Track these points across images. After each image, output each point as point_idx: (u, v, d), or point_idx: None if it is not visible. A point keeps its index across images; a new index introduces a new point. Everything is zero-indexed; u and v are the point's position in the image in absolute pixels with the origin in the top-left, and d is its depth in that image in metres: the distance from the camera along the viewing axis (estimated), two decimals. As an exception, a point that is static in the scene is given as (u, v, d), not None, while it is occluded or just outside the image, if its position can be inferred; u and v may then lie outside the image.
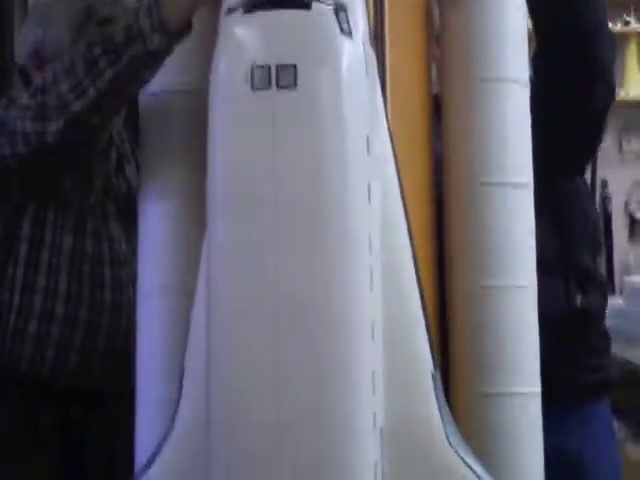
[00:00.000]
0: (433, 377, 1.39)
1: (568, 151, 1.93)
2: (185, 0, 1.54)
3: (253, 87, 1.32)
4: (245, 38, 1.35)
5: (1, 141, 1.77)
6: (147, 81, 1.62)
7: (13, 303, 1.99)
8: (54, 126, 1.68)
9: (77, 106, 1.64)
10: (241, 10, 1.36)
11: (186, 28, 1.56)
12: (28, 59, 2.09)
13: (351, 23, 1.36)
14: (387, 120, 1.47)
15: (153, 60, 1.58)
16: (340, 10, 1.35)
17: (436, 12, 1.70)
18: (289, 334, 1.28)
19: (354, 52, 1.34)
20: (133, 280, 1.89)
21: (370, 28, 1.47)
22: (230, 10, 1.37)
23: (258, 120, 1.32)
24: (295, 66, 1.31)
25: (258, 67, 1.32)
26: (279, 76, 1.31)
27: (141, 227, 1.70)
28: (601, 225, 4.77)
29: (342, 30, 1.34)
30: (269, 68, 1.32)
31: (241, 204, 1.32)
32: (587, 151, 2.07)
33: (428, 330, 1.42)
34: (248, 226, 1.31)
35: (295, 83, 1.31)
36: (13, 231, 2.00)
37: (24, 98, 1.75)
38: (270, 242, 1.30)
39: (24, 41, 2.12)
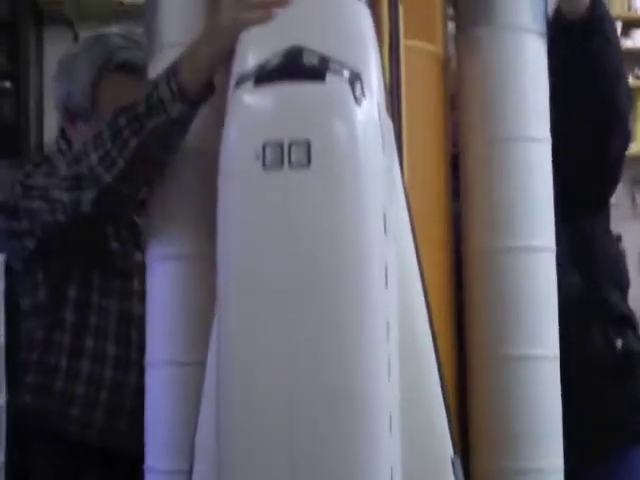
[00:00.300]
0: (453, 463, 1.33)
1: (584, 192, 1.88)
2: (201, 66, 1.52)
3: (265, 165, 1.26)
4: (256, 113, 1.28)
5: (43, 207, 1.77)
6: (175, 147, 1.60)
7: (61, 367, 1.96)
8: (88, 195, 1.68)
9: (107, 178, 1.64)
10: (252, 81, 1.30)
11: (208, 92, 1.54)
12: (61, 116, 2.08)
13: (366, 91, 1.29)
14: (404, 184, 1.41)
15: (177, 127, 1.57)
16: (355, 80, 1.29)
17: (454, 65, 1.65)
18: (305, 427, 1.22)
19: (370, 126, 1.28)
20: None
21: (385, 86, 1.41)
22: (240, 80, 1.31)
23: (270, 200, 1.26)
24: (309, 143, 1.25)
25: (270, 144, 1.26)
26: (292, 154, 1.25)
27: (148, 289, 1.65)
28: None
29: (357, 102, 1.28)
30: (281, 145, 1.26)
31: (252, 289, 1.26)
32: (604, 193, 2.02)
33: (448, 412, 1.36)
34: (259, 313, 1.25)
35: (309, 161, 1.25)
36: (60, 295, 1.97)
37: (62, 168, 1.76)
38: (282, 331, 1.24)
39: (54, 97, 2.09)
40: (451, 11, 1.64)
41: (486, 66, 1.59)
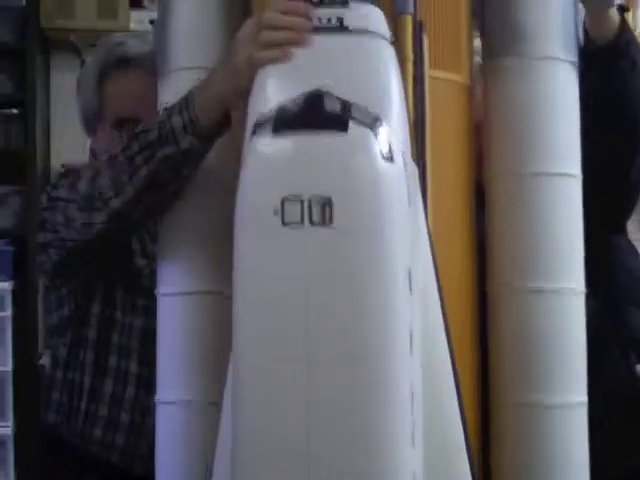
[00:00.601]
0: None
1: (604, 212, 1.81)
2: (213, 103, 1.46)
3: (284, 222, 1.18)
4: (275, 165, 1.20)
5: (62, 222, 1.73)
6: (187, 178, 1.55)
7: (84, 386, 1.90)
8: (100, 218, 1.63)
9: (116, 203, 1.59)
10: (270, 129, 1.21)
11: (223, 126, 1.48)
12: (85, 130, 2.03)
13: (391, 141, 1.21)
14: (428, 229, 1.34)
15: (188, 159, 1.52)
16: (379, 128, 1.21)
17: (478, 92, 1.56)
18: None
19: (396, 181, 1.20)
20: None
21: (410, 123, 1.33)
22: (258, 126, 1.23)
23: (289, 259, 1.18)
24: (330, 199, 1.17)
25: (289, 199, 1.18)
26: (312, 211, 1.18)
27: (158, 326, 1.59)
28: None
29: (382, 154, 1.20)
30: (301, 201, 1.18)
31: (268, 352, 1.19)
32: (624, 214, 1.97)
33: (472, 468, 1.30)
34: (276, 377, 1.19)
35: (331, 219, 1.17)
36: (83, 312, 1.90)
37: (82, 184, 1.69)
38: (300, 396, 1.17)
39: (78, 114, 2.04)
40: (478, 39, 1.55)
41: (514, 98, 1.50)
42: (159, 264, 1.61)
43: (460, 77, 1.50)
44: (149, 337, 1.83)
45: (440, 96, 1.46)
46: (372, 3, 1.29)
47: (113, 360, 1.90)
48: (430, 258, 1.33)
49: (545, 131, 1.50)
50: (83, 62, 4.37)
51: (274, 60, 1.28)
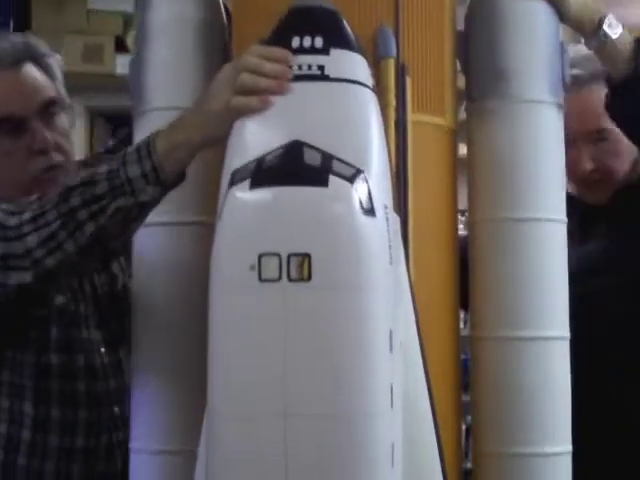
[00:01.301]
0: None
1: None
2: (182, 153, 1.35)
3: (261, 278, 1.15)
4: (252, 220, 1.17)
5: None
6: (135, 230, 1.45)
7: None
8: (18, 278, 1.45)
9: (50, 262, 1.42)
10: (248, 182, 1.18)
11: (184, 176, 1.39)
12: None
13: (373, 193, 1.18)
14: (410, 280, 1.31)
15: (144, 211, 1.40)
16: (360, 180, 1.17)
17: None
18: None
19: (377, 236, 1.17)
20: (118, 398, 1.73)
21: (392, 170, 1.29)
22: (235, 177, 1.19)
23: (266, 316, 1.15)
24: (309, 255, 1.14)
25: (266, 255, 1.15)
26: (290, 267, 1.14)
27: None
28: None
29: (363, 209, 1.16)
30: (279, 257, 1.14)
31: (244, 411, 1.15)
32: None
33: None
34: (252, 436, 1.15)
35: (309, 276, 1.14)
36: None
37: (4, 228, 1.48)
38: (278, 458, 1.14)
39: None
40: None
41: (498, 141, 1.47)
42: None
43: (444, 120, 1.47)
44: (42, 372, 1.71)
45: (423, 141, 1.42)
46: (353, 49, 1.25)
47: (5, 401, 1.71)
48: (412, 311, 1.30)
49: (529, 176, 1.47)
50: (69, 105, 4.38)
51: (252, 108, 1.24)
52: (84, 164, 1.80)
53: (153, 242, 1.53)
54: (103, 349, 1.77)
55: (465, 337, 1.51)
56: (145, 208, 1.39)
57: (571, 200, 1.54)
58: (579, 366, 1.49)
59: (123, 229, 1.41)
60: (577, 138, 1.87)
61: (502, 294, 1.46)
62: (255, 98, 1.24)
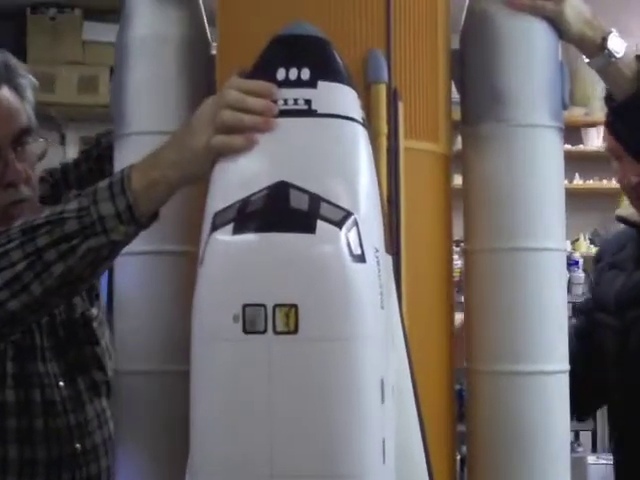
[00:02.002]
0: None
1: None
2: (160, 193, 1.27)
3: (245, 329, 1.08)
4: (235, 267, 1.10)
5: None
6: (104, 270, 1.37)
7: None
8: None
9: (13, 305, 1.32)
10: (231, 226, 1.11)
11: (156, 214, 1.31)
12: None
13: (363, 238, 1.11)
14: (402, 321, 1.25)
15: (116, 251, 1.32)
16: (350, 224, 1.11)
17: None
18: None
19: (367, 283, 1.10)
20: (79, 434, 1.66)
21: (384, 204, 1.23)
22: (217, 220, 1.13)
23: (250, 369, 1.09)
24: (296, 306, 1.08)
25: (251, 305, 1.08)
26: (276, 318, 1.08)
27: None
28: None
29: (352, 255, 1.10)
30: (264, 307, 1.08)
31: (229, 467, 1.10)
32: None
33: None
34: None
35: (296, 328, 1.08)
36: None
37: None
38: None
39: None
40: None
41: (494, 167, 1.41)
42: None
43: (438, 147, 1.40)
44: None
45: (416, 169, 1.36)
46: (343, 80, 1.18)
47: None
48: (404, 353, 1.24)
49: (526, 204, 1.40)
50: (63, 136, 4.41)
51: (235, 148, 1.16)
52: (41, 179, 1.73)
53: (135, 271, 1.46)
54: (62, 383, 1.69)
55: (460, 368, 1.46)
56: (117, 248, 1.31)
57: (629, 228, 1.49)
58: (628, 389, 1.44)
59: (93, 270, 1.32)
60: (621, 154, 1.84)
61: (499, 326, 1.40)
62: (238, 137, 1.17)
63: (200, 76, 1.46)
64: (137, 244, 1.40)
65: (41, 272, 1.29)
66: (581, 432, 5.03)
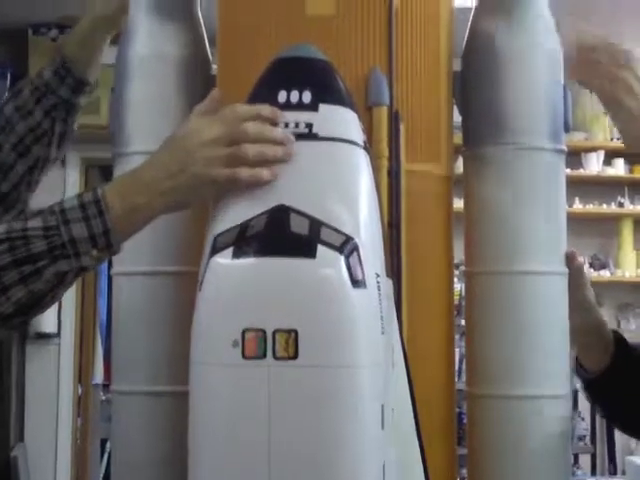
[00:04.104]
0: None
1: None
2: (145, 214, 1.18)
3: (244, 355, 1.07)
4: (235, 291, 1.09)
5: None
6: (59, 299, 1.22)
7: None
8: None
9: None
10: (231, 250, 1.10)
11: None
12: None
13: (364, 263, 1.10)
14: (403, 347, 1.24)
15: (79, 276, 1.19)
16: (350, 249, 1.10)
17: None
18: None
19: (368, 309, 1.10)
20: None
21: (384, 226, 1.22)
22: (217, 244, 1.12)
23: (249, 395, 1.08)
24: (296, 331, 1.07)
25: (250, 330, 1.07)
26: (276, 344, 1.07)
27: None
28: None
29: (353, 281, 1.09)
30: (264, 333, 1.07)
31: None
32: None
33: None
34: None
35: (296, 354, 1.07)
36: None
37: None
38: None
39: None
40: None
41: (495, 189, 1.40)
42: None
43: (439, 169, 1.39)
44: None
45: (417, 191, 1.35)
46: (344, 103, 1.18)
47: None
48: (405, 377, 1.23)
49: (528, 227, 1.39)
50: (64, 158, 4.34)
51: (262, 181, 1.13)
52: None
53: (133, 292, 1.45)
54: None
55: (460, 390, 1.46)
56: (80, 274, 1.18)
57: None
58: None
59: (52, 297, 1.18)
60: None
61: (499, 349, 1.39)
62: (245, 170, 1.13)
63: (200, 95, 1.44)
64: (136, 264, 1.40)
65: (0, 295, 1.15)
66: (580, 455, 5.02)
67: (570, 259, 1.41)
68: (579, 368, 1.56)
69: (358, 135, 1.17)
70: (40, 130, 1.54)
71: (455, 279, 1.45)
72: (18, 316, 1.18)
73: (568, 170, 1.46)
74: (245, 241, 1.10)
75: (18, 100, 1.55)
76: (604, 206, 5.29)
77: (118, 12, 1.53)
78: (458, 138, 1.42)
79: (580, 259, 1.44)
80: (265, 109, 1.15)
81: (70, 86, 1.55)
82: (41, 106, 1.54)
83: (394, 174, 1.30)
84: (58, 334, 4.68)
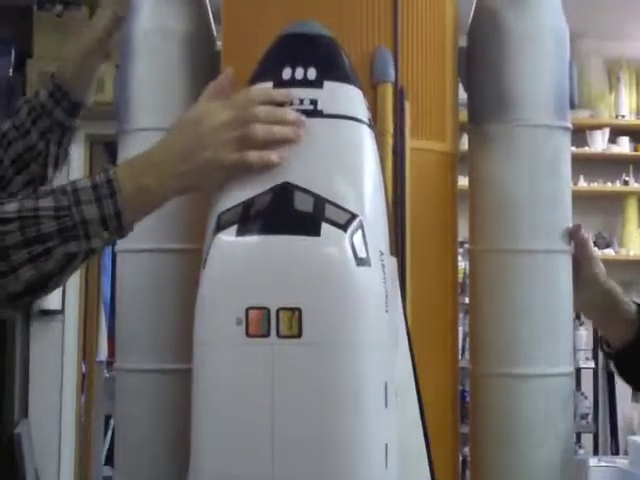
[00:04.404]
0: None
1: None
2: (157, 196, 1.17)
3: (248, 333, 1.07)
4: (239, 269, 1.09)
5: None
6: (65, 282, 1.20)
7: None
8: None
9: None
10: (235, 228, 1.10)
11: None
12: None
13: (368, 241, 1.10)
14: (407, 325, 1.23)
15: (88, 259, 1.17)
16: (355, 227, 1.10)
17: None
18: None
19: (372, 287, 1.09)
20: None
21: (389, 205, 1.21)
22: (222, 221, 1.12)
23: (253, 374, 1.08)
24: (300, 309, 1.07)
25: (254, 308, 1.07)
26: (279, 322, 1.07)
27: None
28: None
29: (357, 258, 1.08)
30: (268, 311, 1.07)
31: (229, 474, 1.08)
32: None
33: None
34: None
35: (300, 332, 1.06)
36: None
37: None
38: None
39: None
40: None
41: (500, 167, 1.39)
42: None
43: (444, 146, 1.39)
44: None
45: (422, 169, 1.34)
46: (349, 80, 1.17)
47: None
48: (408, 356, 1.23)
49: (533, 204, 1.39)
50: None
51: (254, 165, 1.12)
52: None
53: (137, 269, 1.45)
54: None
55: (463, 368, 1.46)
56: (89, 256, 1.16)
57: None
58: None
59: (60, 278, 1.16)
60: None
61: (503, 328, 1.39)
62: (254, 154, 1.12)
63: (204, 72, 1.44)
64: (140, 242, 1.39)
65: (9, 273, 1.14)
66: (583, 435, 5.03)
67: (573, 233, 1.40)
68: (603, 344, 1.55)
69: (363, 112, 1.16)
70: (36, 150, 1.53)
71: (459, 257, 1.44)
72: (27, 295, 1.17)
73: (573, 148, 1.45)
74: (249, 219, 1.10)
75: (16, 119, 1.54)
76: (609, 184, 5.28)
77: (105, 38, 1.49)
78: (463, 115, 1.41)
79: (584, 233, 1.43)
80: (278, 93, 1.15)
81: (65, 109, 1.52)
82: (37, 127, 1.52)
83: (399, 151, 1.30)
84: (62, 311, 4.68)
